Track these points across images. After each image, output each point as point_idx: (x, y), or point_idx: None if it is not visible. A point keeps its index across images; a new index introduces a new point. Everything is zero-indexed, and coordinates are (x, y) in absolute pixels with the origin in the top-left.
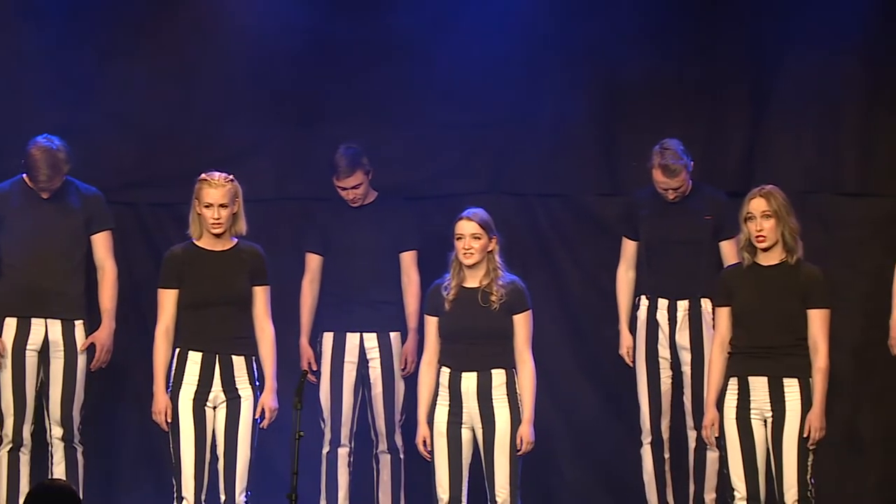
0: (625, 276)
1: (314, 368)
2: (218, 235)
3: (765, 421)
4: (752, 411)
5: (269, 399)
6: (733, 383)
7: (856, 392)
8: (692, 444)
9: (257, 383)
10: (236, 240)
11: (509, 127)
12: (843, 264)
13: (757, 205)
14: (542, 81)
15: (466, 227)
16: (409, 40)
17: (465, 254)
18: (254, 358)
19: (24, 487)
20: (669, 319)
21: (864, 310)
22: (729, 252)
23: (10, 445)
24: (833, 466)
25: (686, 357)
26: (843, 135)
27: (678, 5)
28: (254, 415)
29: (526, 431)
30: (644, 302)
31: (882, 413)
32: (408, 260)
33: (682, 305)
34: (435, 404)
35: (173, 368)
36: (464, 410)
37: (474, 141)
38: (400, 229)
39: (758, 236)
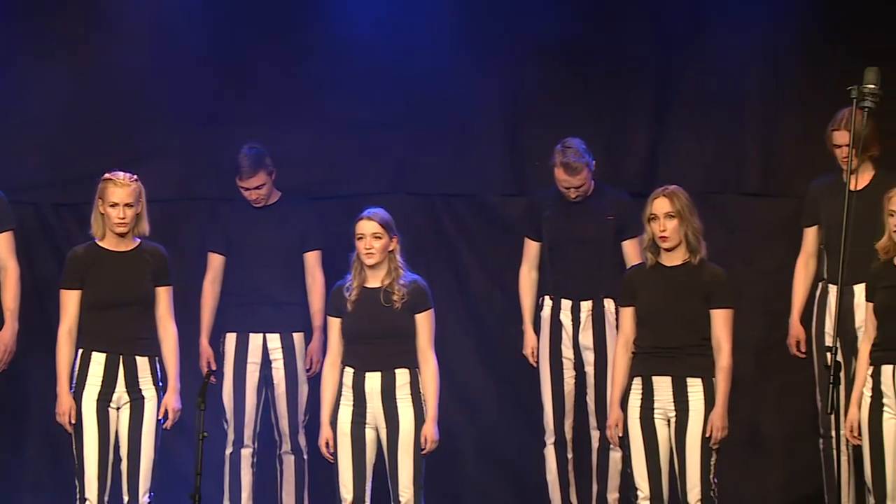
0: (528, 277)
1: (213, 368)
2: (122, 235)
3: (668, 420)
4: (655, 411)
5: (172, 400)
6: (637, 383)
7: (758, 392)
8: (595, 443)
9: (161, 384)
10: (139, 240)
11: (412, 127)
12: (745, 264)
13: (660, 205)
14: (445, 81)
15: (367, 227)
16: (312, 40)
17: (365, 254)
18: (157, 358)
19: None
20: (573, 320)
21: (765, 310)
22: (632, 252)
23: None
24: (736, 466)
25: (589, 357)
26: (745, 135)
27: (583, 5)
28: (157, 415)
29: (430, 431)
30: (548, 302)
31: (784, 413)
32: (312, 260)
33: (586, 306)
34: (338, 405)
35: (76, 369)
36: (367, 410)
37: (377, 141)
38: (303, 229)
39: (661, 237)
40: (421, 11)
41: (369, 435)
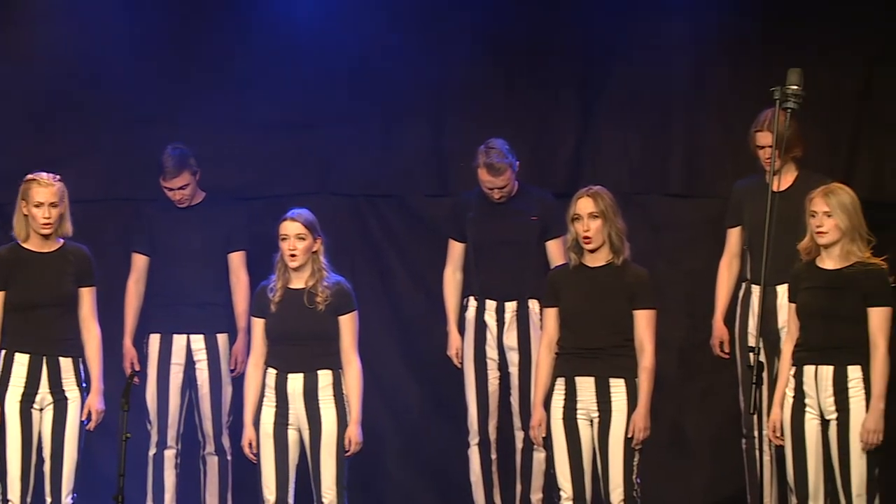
0: (452, 278)
1: (137, 369)
2: (46, 236)
3: (591, 421)
4: (578, 411)
5: (95, 401)
6: (560, 384)
7: (681, 392)
8: (519, 444)
9: (84, 385)
10: (62, 241)
11: (337, 128)
12: (669, 265)
13: (584, 205)
14: (370, 82)
15: (290, 228)
16: (236, 41)
17: (289, 255)
18: (80, 359)
19: None
20: (497, 320)
21: (689, 310)
22: (556, 253)
23: None
24: (659, 466)
25: (514, 358)
26: (669, 136)
27: (507, 5)
28: (81, 416)
29: (353, 432)
30: (472, 303)
31: (707, 413)
32: (236, 261)
33: (510, 306)
34: (261, 406)
35: None
36: (290, 412)
37: (302, 141)
38: (228, 230)
39: (584, 237)
40: (345, 13)
41: (292, 436)
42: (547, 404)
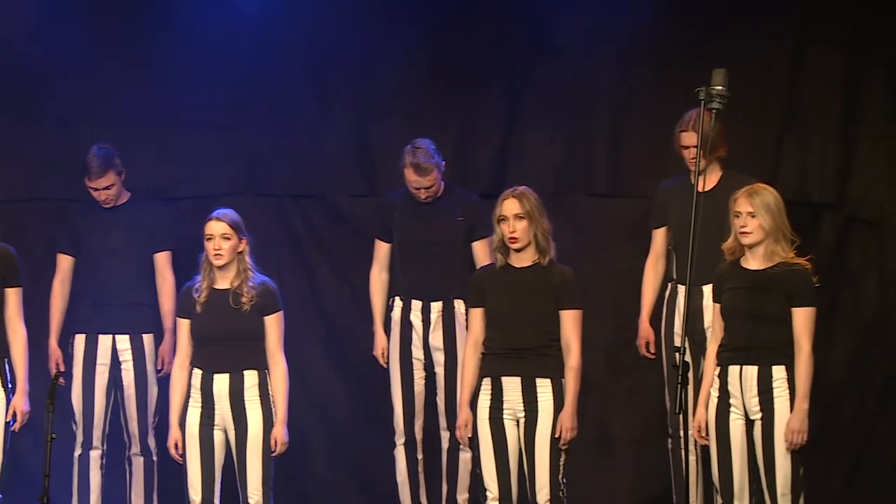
0: (378, 278)
1: (62, 370)
2: None
3: (517, 421)
4: (504, 411)
5: (20, 401)
6: (486, 384)
7: (607, 392)
8: (445, 444)
9: (10, 385)
10: None
11: (263, 128)
12: (594, 265)
13: (509, 206)
14: (294, 82)
15: (216, 228)
16: (162, 40)
17: (214, 254)
18: (6, 360)
19: None
20: (423, 320)
21: (615, 310)
22: (481, 253)
23: None
24: (585, 466)
25: (440, 358)
26: (594, 136)
27: (432, 5)
28: (6, 417)
29: (279, 432)
30: (398, 303)
31: (633, 413)
32: (162, 261)
33: (436, 307)
34: (187, 406)
35: None
36: (216, 412)
37: (228, 141)
38: (153, 230)
39: (510, 238)
40: (270, 12)
41: (218, 436)
42: (473, 404)
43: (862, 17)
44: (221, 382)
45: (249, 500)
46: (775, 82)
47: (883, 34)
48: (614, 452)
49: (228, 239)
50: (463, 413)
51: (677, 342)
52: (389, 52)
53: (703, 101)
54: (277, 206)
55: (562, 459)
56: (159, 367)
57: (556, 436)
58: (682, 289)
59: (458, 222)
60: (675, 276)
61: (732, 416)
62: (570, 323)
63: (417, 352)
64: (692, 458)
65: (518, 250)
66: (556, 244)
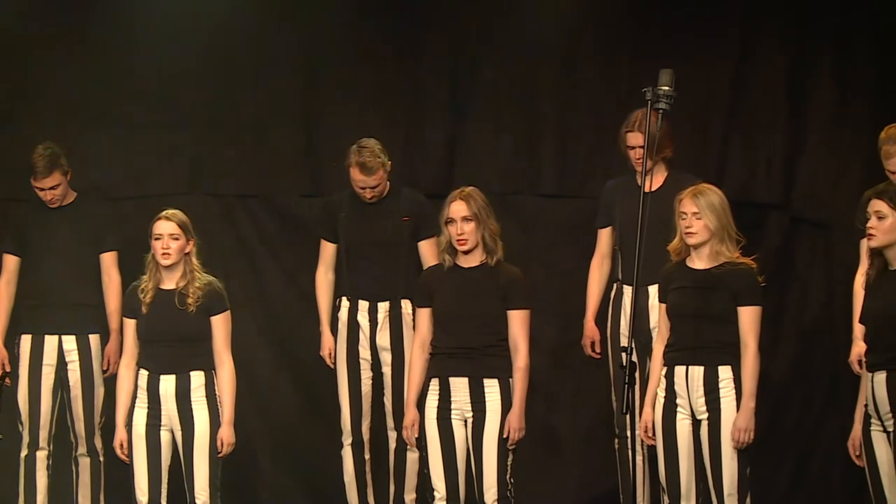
0: (324, 278)
1: (8, 370)
2: None
3: (465, 421)
4: (452, 412)
5: None
6: (434, 384)
7: (554, 392)
8: (393, 444)
9: None
10: None
11: (209, 127)
12: (541, 265)
13: (457, 208)
14: (242, 82)
15: (164, 227)
16: (108, 40)
17: (162, 254)
18: None
19: None
20: (370, 321)
21: (561, 310)
22: (428, 253)
23: None
24: (532, 466)
25: (387, 358)
26: (540, 136)
27: (378, 6)
28: None
29: (226, 434)
30: (345, 303)
31: (579, 413)
32: (108, 261)
33: (383, 307)
34: (134, 407)
35: None
36: (162, 412)
37: (174, 141)
38: (99, 230)
39: (459, 240)
40: (215, 12)
41: (164, 437)
42: (421, 404)
43: (807, 17)
44: (168, 383)
45: (196, 501)
46: (721, 82)
47: (828, 34)
48: (561, 452)
49: (176, 239)
50: (409, 413)
51: (623, 342)
52: (335, 52)
53: (649, 102)
54: (224, 206)
55: (509, 459)
56: (105, 368)
57: (504, 436)
58: (627, 289)
59: (403, 222)
60: (620, 277)
61: (679, 416)
62: (517, 323)
63: (364, 352)
64: (639, 458)
65: (466, 252)
66: (503, 244)
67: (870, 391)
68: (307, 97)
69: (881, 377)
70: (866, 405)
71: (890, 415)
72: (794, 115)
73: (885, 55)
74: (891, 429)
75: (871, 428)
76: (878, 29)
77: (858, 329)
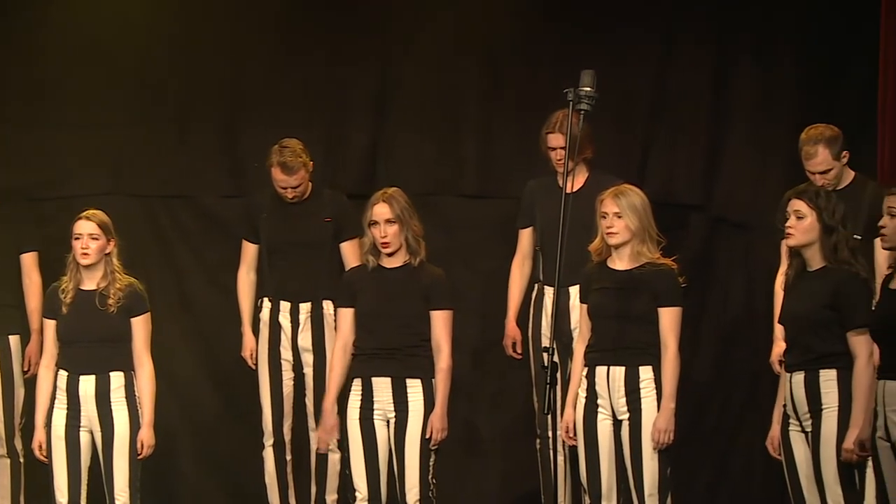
0: (246, 279)
1: None
2: None
3: (388, 422)
4: (375, 412)
5: None
6: (357, 384)
7: (475, 392)
8: (314, 445)
9: None
10: None
11: (130, 127)
12: (463, 265)
13: (379, 211)
14: (163, 81)
15: (84, 227)
16: (31, 40)
17: (81, 254)
18: None
19: None
20: (292, 321)
21: (483, 311)
22: (350, 254)
23: None
24: (454, 466)
25: (308, 359)
26: (463, 137)
27: (301, 6)
28: None
29: (145, 434)
30: (266, 304)
31: (500, 413)
32: (28, 261)
33: (305, 308)
34: (53, 408)
35: None
36: (82, 413)
37: (96, 141)
38: (20, 230)
39: (382, 243)
40: (136, 12)
41: (84, 438)
42: (343, 405)
43: (729, 18)
44: (87, 384)
45: (116, 502)
46: (643, 83)
47: (750, 36)
48: (482, 453)
49: (96, 239)
50: (327, 418)
51: (544, 343)
52: (257, 52)
53: (571, 103)
54: (146, 206)
55: (431, 460)
56: (26, 368)
57: (427, 437)
58: (548, 289)
59: (326, 223)
60: (541, 277)
61: (600, 417)
62: (440, 323)
63: (286, 353)
64: (560, 458)
65: (390, 254)
66: (426, 244)
67: (788, 391)
68: (228, 97)
69: (799, 377)
70: (784, 405)
71: (808, 415)
72: (715, 117)
73: (806, 57)
74: (809, 429)
75: (790, 428)
76: (799, 31)
77: (778, 329)
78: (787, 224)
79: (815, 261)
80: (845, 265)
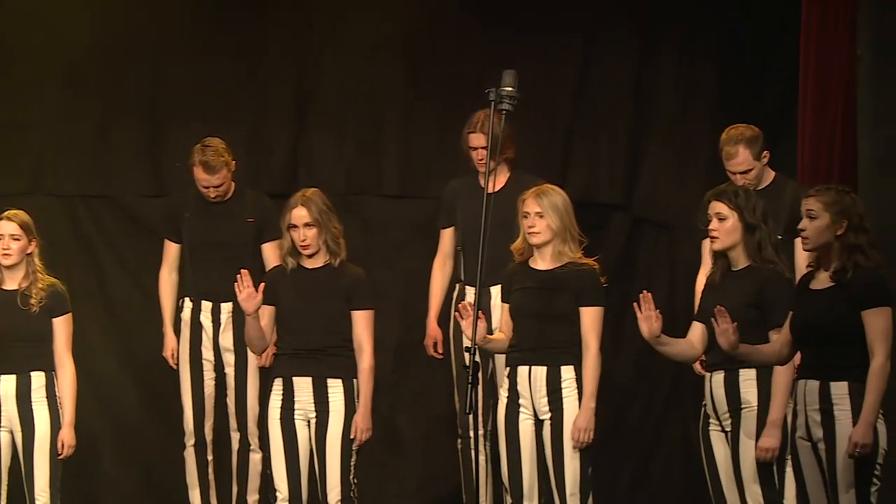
0: (168, 278)
1: None
2: None
3: (308, 422)
4: (296, 412)
5: None
6: (278, 384)
7: (397, 392)
8: (235, 445)
9: None
10: None
11: (51, 127)
12: (384, 265)
13: (298, 214)
14: (84, 81)
15: (5, 228)
16: None
17: (2, 254)
18: None
19: None
20: (213, 321)
21: (404, 311)
22: (271, 255)
23: None
24: (375, 466)
25: (230, 359)
26: (383, 137)
27: (221, 5)
28: None
29: (67, 435)
30: (188, 304)
31: (422, 413)
32: None
33: (226, 308)
34: None
35: None
36: (3, 413)
37: (16, 141)
38: None
39: (302, 245)
40: (57, 10)
41: (4, 438)
42: (265, 404)
43: (650, 20)
44: (8, 384)
45: (36, 502)
46: (564, 84)
47: (671, 37)
48: (404, 452)
49: (18, 239)
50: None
51: (466, 343)
52: (179, 52)
53: (492, 102)
54: (67, 206)
55: (353, 460)
56: None
57: (351, 437)
58: (470, 289)
59: (248, 223)
60: (462, 277)
61: (522, 417)
62: (361, 323)
63: (207, 353)
64: (482, 458)
65: (310, 256)
66: (347, 244)
67: (708, 391)
68: (150, 97)
69: (719, 377)
70: (704, 405)
71: (727, 414)
72: (636, 117)
73: (726, 58)
74: (728, 428)
75: (710, 427)
76: (719, 33)
77: (697, 328)
78: (710, 227)
79: (740, 260)
80: (770, 264)
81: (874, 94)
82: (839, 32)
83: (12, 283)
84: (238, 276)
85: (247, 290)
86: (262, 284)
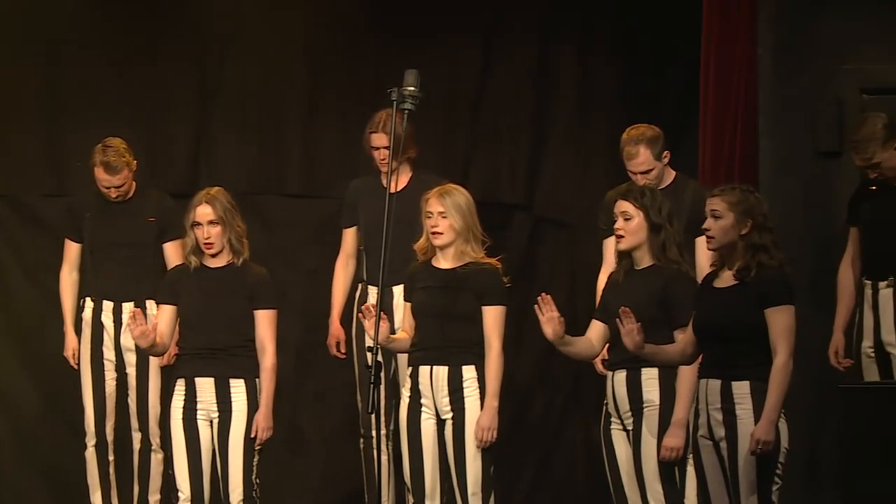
0: (69, 278)
1: None
2: None
3: (211, 422)
4: (198, 412)
5: None
6: (180, 384)
7: (298, 392)
8: (137, 445)
9: None
10: None
11: None
12: (287, 265)
13: (202, 212)
14: None
15: None
16: None
17: None
18: None
19: None
20: (115, 321)
21: (306, 310)
22: (173, 255)
23: None
24: (277, 465)
25: (131, 359)
26: (286, 136)
27: (122, 3)
28: None
29: None
30: (89, 304)
31: (324, 413)
32: None
33: (128, 307)
34: None
35: None
36: None
37: None
38: None
39: (205, 244)
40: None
41: None
42: (167, 404)
43: (551, 19)
44: None
45: None
46: (466, 83)
47: (571, 38)
48: (306, 452)
49: None
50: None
51: (369, 342)
52: (79, 50)
53: (394, 102)
54: None
55: (255, 460)
56: None
57: (253, 436)
58: (372, 289)
59: (149, 223)
60: (365, 277)
61: (423, 416)
62: (264, 323)
63: (109, 353)
64: (384, 457)
65: (213, 255)
66: (250, 244)
67: (610, 390)
68: (50, 95)
69: (621, 376)
70: (606, 403)
71: (629, 413)
72: (537, 117)
73: (626, 58)
74: (630, 427)
75: (611, 426)
76: (619, 33)
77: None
78: (616, 226)
79: (644, 259)
80: (674, 264)
81: (774, 94)
82: (739, 32)
83: None
84: (130, 314)
85: (140, 329)
86: (156, 321)
